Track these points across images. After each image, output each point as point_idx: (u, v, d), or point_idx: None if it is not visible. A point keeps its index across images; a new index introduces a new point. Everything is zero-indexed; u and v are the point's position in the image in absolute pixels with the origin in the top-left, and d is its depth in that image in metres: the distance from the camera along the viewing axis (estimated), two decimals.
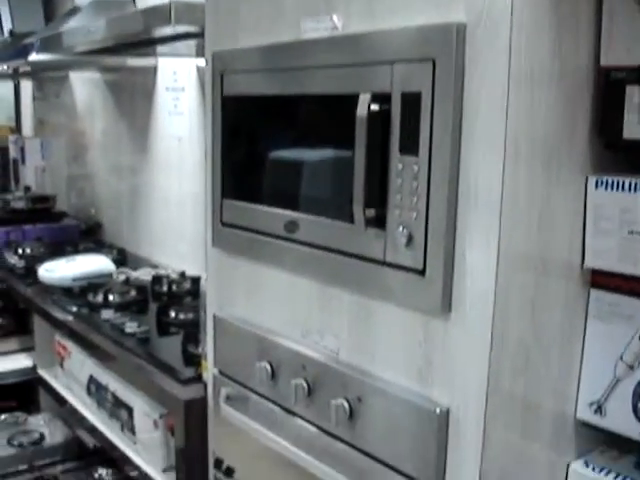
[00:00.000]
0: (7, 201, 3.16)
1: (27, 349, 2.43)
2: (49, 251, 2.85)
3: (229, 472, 1.80)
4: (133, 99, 2.90)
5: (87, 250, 2.84)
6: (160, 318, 2.03)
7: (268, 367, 1.30)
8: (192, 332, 1.79)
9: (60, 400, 2.21)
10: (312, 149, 1.22)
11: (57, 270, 2.33)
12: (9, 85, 4.31)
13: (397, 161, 1.03)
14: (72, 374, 2.08)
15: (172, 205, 2.67)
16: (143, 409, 1.70)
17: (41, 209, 3.16)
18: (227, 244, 1.42)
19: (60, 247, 2.91)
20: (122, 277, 2.42)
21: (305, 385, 1.22)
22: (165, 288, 2.30)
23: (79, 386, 2.04)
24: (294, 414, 1.27)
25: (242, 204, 1.35)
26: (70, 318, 2.08)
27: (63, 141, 3.60)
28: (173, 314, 2.02)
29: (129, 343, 1.84)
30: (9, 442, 2.16)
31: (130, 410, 1.75)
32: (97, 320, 2.02)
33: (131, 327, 1.90)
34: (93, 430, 2.01)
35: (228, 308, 1.44)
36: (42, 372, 2.29)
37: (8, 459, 2.14)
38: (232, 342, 1.42)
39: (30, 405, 2.46)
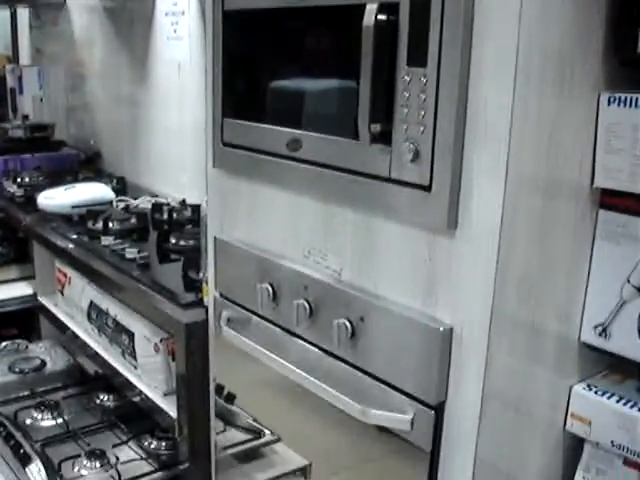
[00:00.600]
0: (5, 130, 3.11)
1: (27, 277, 2.42)
2: (48, 180, 2.82)
3: (230, 398, 1.81)
4: (132, 25, 2.83)
5: (86, 179, 2.81)
6: (160, 245, 2.01)
7: (269, 288, 1.28)
8: (193, 258, 1.78)
9: (61, 327, 2.21)
10: (316, 65, 1.18)
11: (56, 198, 2.30)
12: (5, 13, 4.22)
13: (404, 73, 1.00)
14: (72, 301, 2.08)
15: (172, 133, 2.62)
16: (144, 333, 1.70)
17: (39, 138, 3.11)
18: (228, 164, 1.39)
19: (59, 176, 2.87)
20: (122, 205, 2.40)
21: (307, 306, 1.21)
22: (165, 216, 2.28)
23: (79, 313, 2.04)
24: (296, 335, 1.27)
25: (243, 123, 1.32)
26: (70, 245, 2.07)
27: (61, 70, 3.53)
28: (173, 241, 2.00)
29: (129, 269, 1.83)
30: (10, 369, 2.16)
31: (131, 335, 1.75)
32: (97, 247, 2.00)
33: (131, 253, 1.89)
34: (94, 356, 2.01)
35: (229, 230, 1.42)
36: (42, 299, 2.28)
37: (10, 385, 2.15)
38: (233, 264, 1.41)
39: (31, 333, 2.46)
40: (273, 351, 1.29)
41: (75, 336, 2.10)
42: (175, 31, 2.51)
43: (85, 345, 2.01)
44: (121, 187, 2.71)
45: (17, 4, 3.87)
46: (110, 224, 2.14)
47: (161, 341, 1.65)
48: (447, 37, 0.94)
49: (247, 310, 1.37)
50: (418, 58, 0.98)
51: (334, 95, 1.15)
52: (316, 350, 1.23)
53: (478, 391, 1.02)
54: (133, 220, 2.20)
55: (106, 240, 2.00)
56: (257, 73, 1.31)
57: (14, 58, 4.02)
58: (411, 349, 1.06)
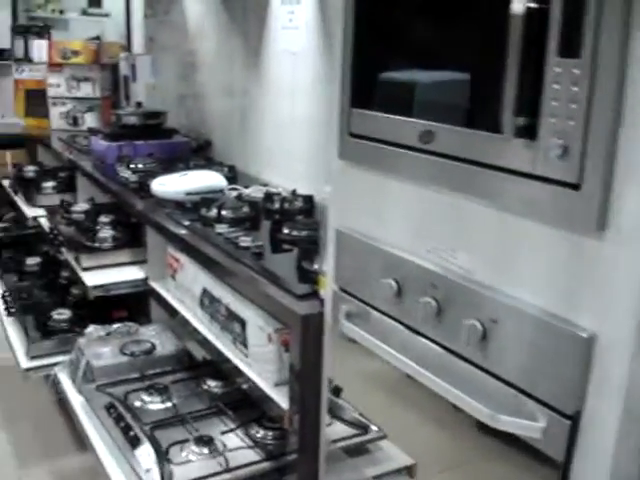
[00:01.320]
0: (119, 116, 3.18)
1: (139, 261, 2.46)
2: (161, 167, 2.87)
3: (336, 391, 1.80)
4: (246, 14, 2.84)
5: (198, 167, 2.85)
6: (273, 234, 2.01)
7: (394, 284, 1.25)
8: (306, 249, 1.77)
9: (171, 311, 2.25)
10: (454, 54, 1.14)
11: (170, 184, 2.34)
12: (120, 3, 4.34)
13: (555, 64, 0.94)
14: (184, 286, 2.11)
15: (283, 123, 2.63)
16: (257, 323, 1.70)
17: (152, 125, 3.17)
18: (354, 156, 1.36)
19: (171, 163, 2.92)
20: (234, 193, 2.41)
21: (434, 304, 1.17)
22: (277, 205, 2.28)
23: (191, 298, 2.06)
24: (419, 333, 1.23)
25: (372, 113, 1.29)
26: (183, 232, 2.09)
27: (173, 59, 3.60)
28: (286, 230, 2.00)
29: (243, 257, 1.83)
30: (121, 351, 2.21)
31: (243, 323, 1.75)
32: (211, 234, 2.02)
33: (245, 241, 1.89)
34: (204, 342, 2.03)
35: (352, 222, 1.40)
36: (153, 284, 2.32)
37: (120, 367, 2.20)
38: (354, 258, 1.38)
39: (141, 316, 2.51)
40: (394, 348, 1.26)
41: (185, 321, 2.12)
42: (291, 20, 2.50)
43: (195, 331, 2.04)
44: (232, 175, 2.73)
45: None
46: (224, 212, 2.15)
47: (275, 331, 1.64)
48: (605, 25, 0.89)
49: (368, 305, 1.35)
50: (571, 49, 0.92)
51: (472, 86, 1.11)
52: (440, 349, 1.19)
53: (619, 403, 0.96)
54: (245, 209, 2.21)
55: (220, 228, 2.02)
56: (388, 63, 1.28)
57: (128, 47, 4.13)
58: (548, 355, 1.01)
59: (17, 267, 3.19)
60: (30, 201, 3.30)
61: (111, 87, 4.07)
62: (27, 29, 4.29)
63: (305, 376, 1.56)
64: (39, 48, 4.03)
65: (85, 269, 2.42)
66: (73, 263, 2.50)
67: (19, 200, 3.42)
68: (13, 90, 4.24)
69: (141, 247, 2.47)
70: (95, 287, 2.32)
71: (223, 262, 1.85)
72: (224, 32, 3.04)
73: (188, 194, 2.30)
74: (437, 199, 1.19)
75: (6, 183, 3.76)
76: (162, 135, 3.15)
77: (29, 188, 3.35)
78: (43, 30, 4.31)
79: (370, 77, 1.31)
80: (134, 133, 3.11)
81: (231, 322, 1.82)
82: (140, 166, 2.88)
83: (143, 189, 2.54)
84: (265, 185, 2.61)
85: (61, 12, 4.71)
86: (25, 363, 2.37)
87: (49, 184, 3.32)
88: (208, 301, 1.95)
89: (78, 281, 2.53)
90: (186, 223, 2.13)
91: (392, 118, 1.24)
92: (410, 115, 1.20)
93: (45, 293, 2.88)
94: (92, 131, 3.66)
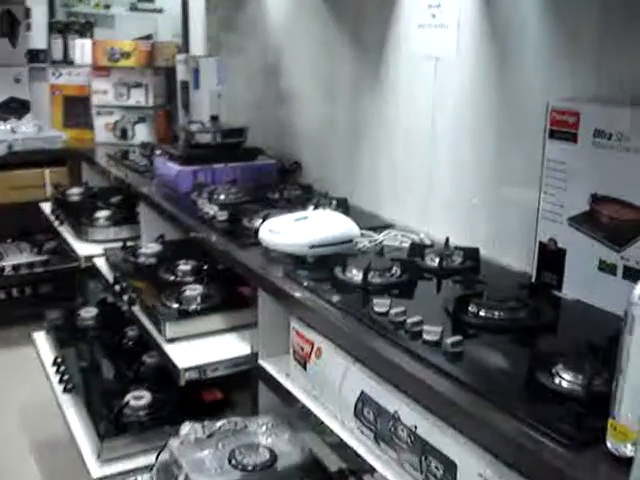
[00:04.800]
0: (190, 133, 2.61)
1: (240, 327, 1.90)
2: (251, 198, 2.31)
3: None
4: (358, 9, 2.27)
5: (296, 199, 2.29)
6: (455, 313, 1.44)
7: None
8: (539, 352, 1.20)
9: (289, 400, 1.69)
10: None
11: (289, 233, 1.76)
12: None
13: None
14: (322, 379, 1.54)
15: (417, 145, 2.05)
16: (479, 470, 1.13)
17: (231, 144, 2.60)
18: None
19: (260, 193, 2.37)
20: (366, 243, 1.85)
21: None
22: (433, 263, 1.71)
23: (335, 398, 1.50)
24: None
25: None
26: (321, 303, 1.53)
27: (246, 62, 3.04)
28: (473, 309, 1.42)
29: (429, 355, 1.26)
30: (230, 461, 1.62)
31: (451, 466, 1.18)
32: (365, 312, 1.45)
33: (431, 333, 1.31)
34: (345, 450, 1.47)
35: None
36: (266, 365, 1.75)
37: None
38: None
39: (241, 399, 1.95)
40: None
41: (317, 421, 1.56)
42: (434, 16, 1.93)
43: (345, 446, 1.47)
44: (342, 211, 2.16)
45: None
46: (371, 276, 1.59)
47: None
48: None
49: None
50: None
51: None
52: None
53: None
54: (396, 269, 1.64)
55: (381, 305, 1.44)
56: None
57: (185, 47, 3.57)
58: None
59: (67, 319, 2.60)
60: (80, 235, 2.73)
61: (165, 94, 3.51)
62: (66, 26, 3.72)
63: None
64: (81, 49, 3.46)
65: (171, 340, 1.86)
66: (153, 332, 1.93)
67: (65, 232, 2.86)
68: (49, 97, 3.69)
69: (243, 309, 1.91)
70: (188, 369, 1.76)
71: (400, 364, 1.28)
72: (323, 27, 2.46)
73: (313, 247, 1.73)
74: None
75: (46, 208, 3.20)
76: (244, 156, 2.58)
77: (78, 218, 2.78)
78: (85, 28, 3.74)
79: None
80: (210, 154, 2.54)
81: (419, 454, 1.25)
82: (222, 197, 2.32)
83: (239, 232, 1.98)
84: (387, 226, 2.06)
85: (106, 7, 4.11)
86: (97, 470, 1.79)
87: (102, 214, 2.75)
88: (370, 412, 1.38)
89: (154, 347, 1.97)
90: (317, 288, 1.57)
91: None
92: None
93: (110, 361, 2.30)
94: (146, 146, 3.11)
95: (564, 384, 1.14)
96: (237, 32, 3.11)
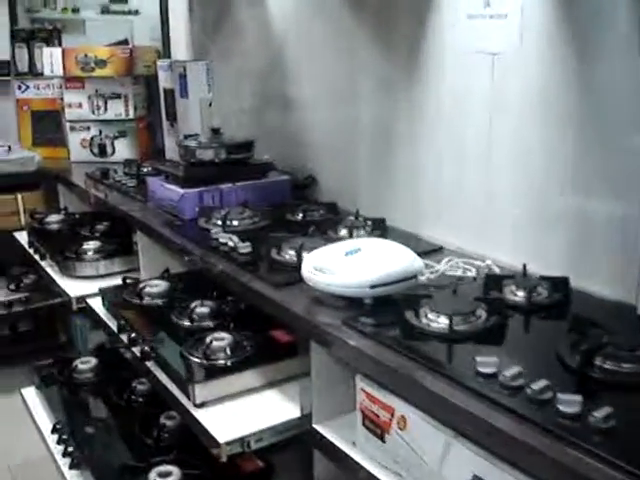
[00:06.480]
0: (190, 150, 2.29)
1: (277, 382, 1.61)
2: (269, 222, 2.02)
3: None
4: None
5: (322, 221, 1.99)
6: (576, 367, 1.16)
7: None
8: None
9: (352, 467, 1.40)
10: None
11: (340, 270, 1.46)
12: None
13: None
14: (410, 452, 1.25)
15: (465, 155, 1.78)
16: None
17: (237, 160, 2.28)
18: None
19: (278, 214, 2.07)
20: (429, 275, 1.56)
21: None
22: (518, 298, 1.43)
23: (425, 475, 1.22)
24: None
25: None
26: (395, 358, 1.24)
27: (240, 65, 2.73)
28: (600, 363, 1.14)
29: (580, 438, 0.98)
30: None
31: None
32: (457, 369, 1.16)
33: (568, 403, 1.03)
34: None
35: None
36: (323, 430, 1.45)
37: None
38: None
39: (277, 463, 1.65)
40: None
41: None
42: (488, 5, 1.65)
43: None
44: (380, 234, 1.87)
45: None
46: (455, 323, 1.30)
47: None
48: None
49: None
50: None
51: None
52: None
53: None
54: (481, 311, 1.36)
55: (486, 365, 1.15)
56: None
57: (166, 52, 3.24)
58: None
59: (60, 372, 2.25)
60: (66, 271, 2.40)
61: (146, 105, 3.18)
62: (31, 34, 3.36)
63: None
64: (50, 58, 3.11)
65: (201, 405, 1.55)
66: (174, 391, 1.62)
67: (47, 267, 2.52)
68: (15, 113, 3.34)
69: (282, 359, 1.62)
70: (229, 443, 1.45)
71: (533, 444, 1.00)
72: (341, 17, 2.17)
73: (374, 287, 1.44)
74: None
75: (21, 237, 2.85)
76: (253, 173, 2.27)
77: (61, 251, 2.44)
78: (52, 35, 3.38)
79: None
80: (214, 173, 2.23)
81: None
82: (235, 222, 2.01)
83: (269, 267, 1.68)
84: (436, 250, 1.78)
85: (75, 11, 3.73)
86: None
87: (90, 245, 2.43)
88: None
89: (177, 411, 1.67)
90: (399, 346, 1.28)
91: None
92: None
93: (121, 426, 1.96)
94: (130, 164, 2.79)
95: None
96: (228, 33, 2.80)
